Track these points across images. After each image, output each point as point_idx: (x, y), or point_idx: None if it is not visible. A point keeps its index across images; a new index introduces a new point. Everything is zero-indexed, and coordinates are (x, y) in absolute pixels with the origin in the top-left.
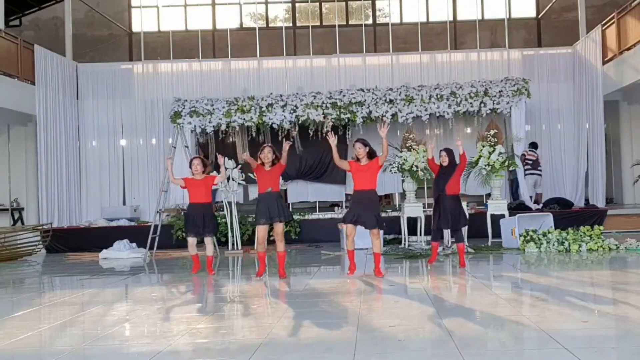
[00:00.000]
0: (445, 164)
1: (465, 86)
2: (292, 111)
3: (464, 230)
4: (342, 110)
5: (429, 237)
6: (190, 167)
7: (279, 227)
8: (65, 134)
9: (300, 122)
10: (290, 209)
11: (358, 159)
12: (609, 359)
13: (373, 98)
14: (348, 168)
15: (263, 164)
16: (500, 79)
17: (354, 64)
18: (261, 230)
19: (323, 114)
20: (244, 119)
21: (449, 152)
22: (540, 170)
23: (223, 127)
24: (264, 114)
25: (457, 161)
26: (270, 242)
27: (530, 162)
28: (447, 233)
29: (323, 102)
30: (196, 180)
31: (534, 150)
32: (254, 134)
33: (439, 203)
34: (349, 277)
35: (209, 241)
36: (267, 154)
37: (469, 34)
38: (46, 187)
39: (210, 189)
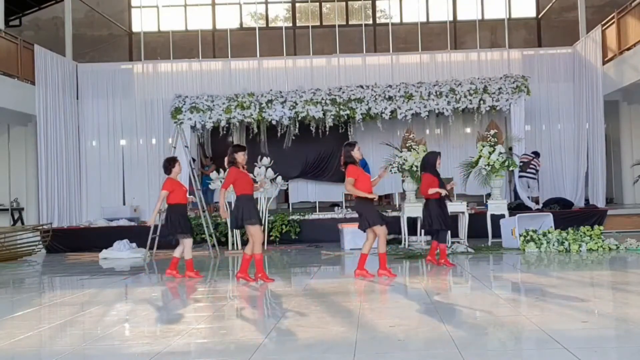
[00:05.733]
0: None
1: (465, 83)
2: (291, 107)
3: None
4: (341, 107)
5: (429, 238)
6: (174, 167)
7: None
8: (65, 134)
9: (299, 118)
10: (291, 209)
11: (355, 162)
12: (609, 359)
13: (372, 95)
14: (356, 176)
15: (242, 166)
16: (500, 76)
17: (354, 64)
18: (260, 231)
19: (322, 110)
20: (244, 115)
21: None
22: (530, 173)
23: (223, 124)
24: (264, 110)
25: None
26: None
27: (521, 164)
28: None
29: (322, 99)
30: (178, 181)
31: (527, 154)
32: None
33: (443, 204)
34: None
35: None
36: (243, 157)
37: (469, 34)
38: (46, 187)
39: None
